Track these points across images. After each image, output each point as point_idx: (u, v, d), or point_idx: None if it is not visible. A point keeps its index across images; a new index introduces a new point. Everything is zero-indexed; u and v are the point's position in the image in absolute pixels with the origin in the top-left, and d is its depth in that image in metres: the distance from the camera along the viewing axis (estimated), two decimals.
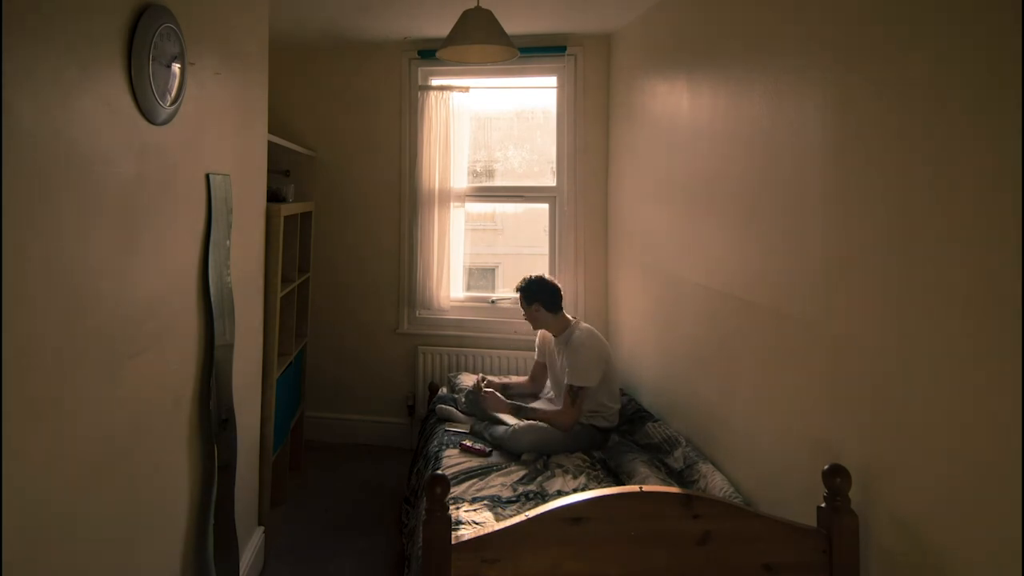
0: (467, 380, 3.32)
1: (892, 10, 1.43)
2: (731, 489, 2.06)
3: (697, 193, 2.48)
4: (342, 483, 3.35)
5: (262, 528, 2.65)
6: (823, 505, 1.51)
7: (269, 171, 2.73)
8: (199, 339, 1.92)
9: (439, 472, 2.20)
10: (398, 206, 3.84)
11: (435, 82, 3.80)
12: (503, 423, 2.73)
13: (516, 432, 2.60)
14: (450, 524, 1.47)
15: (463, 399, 3.06)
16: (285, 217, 2.90)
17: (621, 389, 2.98)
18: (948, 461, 1.28)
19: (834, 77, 1.63)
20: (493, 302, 3.83)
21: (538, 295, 2.84)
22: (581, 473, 2.40)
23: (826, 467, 1.50)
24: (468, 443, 2.66)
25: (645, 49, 3.12)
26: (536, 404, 2.92)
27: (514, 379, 3.27)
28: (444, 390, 3.38)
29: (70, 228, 1.28)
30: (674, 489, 1.93)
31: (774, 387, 1.92)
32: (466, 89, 3.71)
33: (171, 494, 1.79)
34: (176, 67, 1.65)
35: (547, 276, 2.93)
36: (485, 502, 2.19)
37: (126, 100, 1.47)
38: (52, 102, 1.22)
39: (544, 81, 3.81)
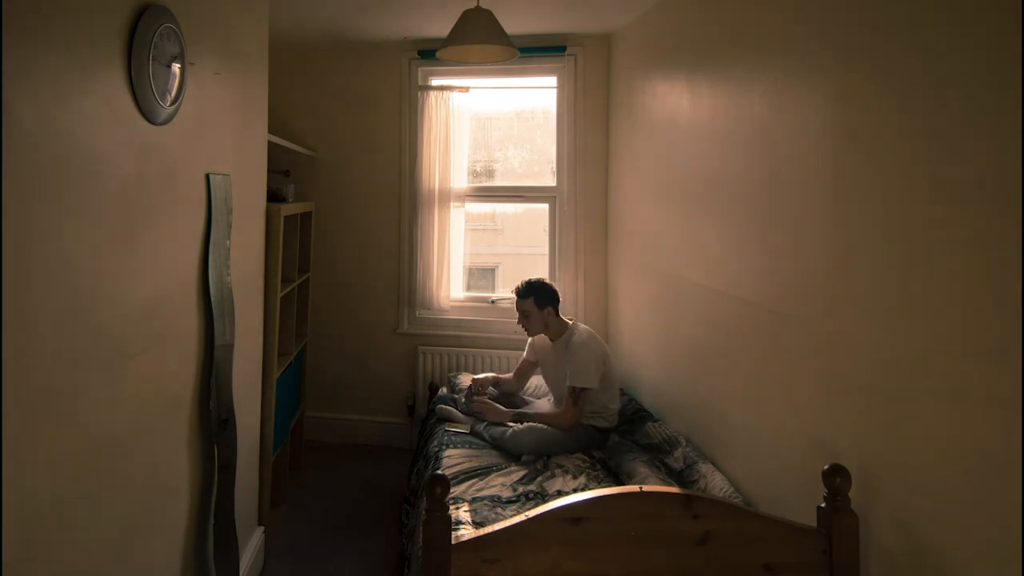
0: (467, 380, 3.32)
1: (892, 10, 1.43)
2: (731, 489, 2.06)
3: (697, 193, 2.48)
4: (342, 483, 3.35)
5: (262, 528, 2.65)
6: (823, 505, 1.51)
7: (269, 171, 2.73)
8: (199, 339, 1.92)
9: (439, 472, 2.20)
10: (398, 206, 3.84)
11: (435, 82, 3.80)
12: (503, 423, 2.73)
13: (516, 433, 2.60)
14: (450, 524, 1.47)
15: (463, 399, 3.05)
16: (285, 217, 2.90)
17: (621, 389, 2.98)
18: (948, 461, 1.28)
19: (834, 77, 1.63)
20: (493, 302, 3.83)
21: (552, 298, 2.83)
22: (581, 473, 2.40)
23: (826, 467, 1.50)
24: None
25: (645, 49, 3.12)
26: (533, 407, 2.91)
27: (503, 376, 3.25)
28: (444, 390, 3.38)
29: (70, 228, 1.28)
30: (674, 489, 1.93)
31: (774, 387, 1.92)
32: (466, 89, 3.71)
33: (171, 494, 1.79)
34: (176, 67, 1.65)
35: (546, 279, 2.93)
36: (485, 502, 2.19)
37: (126, 100, 1.47)
38: (52, 102, 1.22)
39: (544, 81, 3.81)
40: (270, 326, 2.72)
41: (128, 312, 1.51)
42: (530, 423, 2.65)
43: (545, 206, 3.84)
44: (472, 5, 2.41)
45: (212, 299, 1.95)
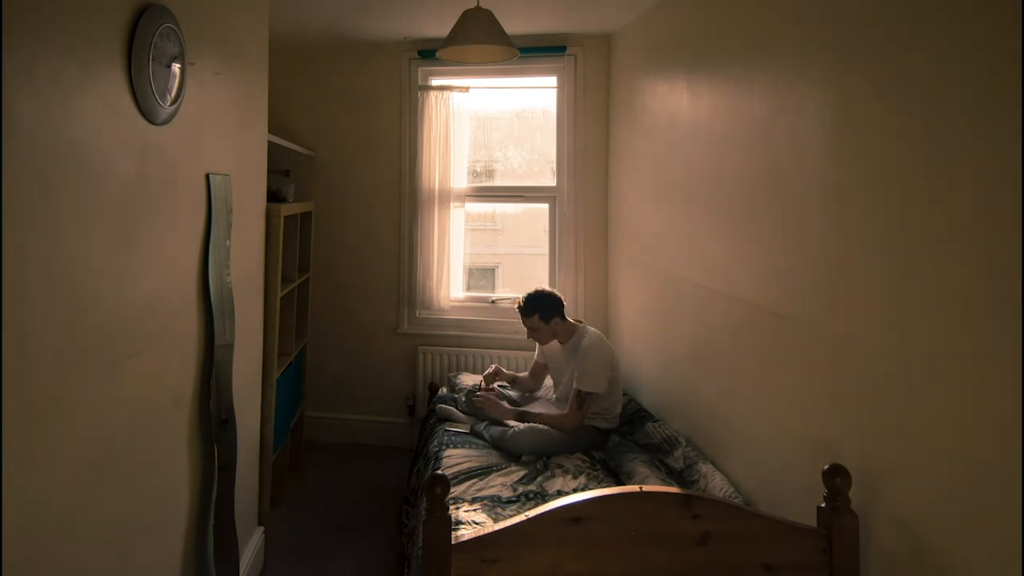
0: (467, 380, 3.32)
1: (892, 10, 1.43)
2: (731, 489, 2.06)
3: (697, 193, 2.48)
4: (342, 483, 3.35)
5: (262, 528, 2.65)
6: (823, 505, 1.51)
7: (269, 171, 2.73)
8: (199, 339, 1.92)
9: (439, 472, 2.20)
10: (398, 206, 3.84)
11: (435, 82, 3.80)
12: (503, 424, 2.73)
13: (516, 433, 2.60)
14: (450, 524, 1.47)
15: (463, 399, 3.05)
16: (285, 217, 2.89)
17: (623, 390, 2.98)
18: (948, 461, 1.28)
19: (834, 77, 1.63)
20: (493, 302, 3.83)
21: (555, 309, 2.81)
22: (581, 473, 2.40)
23: (826, 467, 1.50)
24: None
25: (645, 49, 3.12)
26: (536, 406, 2.91)
27: (520, 375, 3.27)
28: (444, 390, 3.38)
29: (70, 228, 1.28)
30: (674, 489, 1.93)
31: (774, 387, 1.92)
32: (466, 89, 3.71)
33: (171, 494, 1.79)
34: (176, 67, 1.65)
35: (545, 287, 2.91)
36: (485, 502, 2.19)
37: (126, 100, 1.47)
38: (52, 102, 1.22)
39: (544, 81, 3.81)
40: (270, 326, 2.72)
41: (128, 312, 1.51)
42: (531, 423, 2.65)
43: (545, 206, 3.84)
44: (472, 5, 2.41)
45: (212, 299, 1.95)
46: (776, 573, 1.50)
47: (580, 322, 2.90)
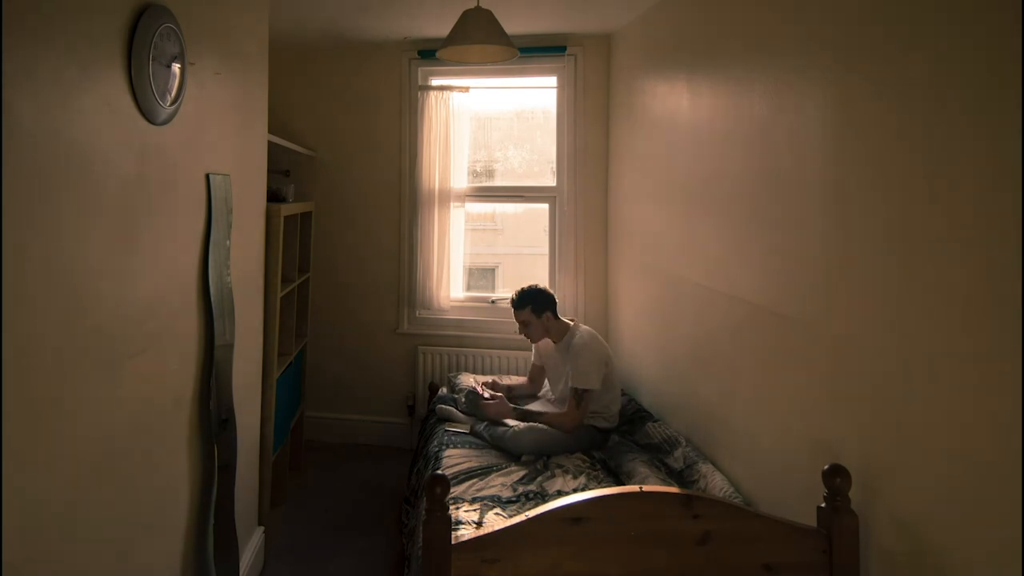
0: (467, 380, 3.32)
1: (892, 10, 1.43)
2: (731, 489, 2.06)
3: (697, 193, 2.48)
4: (342, 483, 3.35)
5: (262, 528, 2.65)
6: (823, 505, 1.51)
7: (269, 171, 2.73)
8: (199, 339, 1.92)
9: (439, 472, 2.20)
10: (398, 206, 3.84)
11: (435, 82, 3.80)
12: (503, 424, 2.73)
13: (516, 433, 2.60)
14: (450, 524, 1.47)
15: (463, 399, 3.05)
16: (285, 217, 2.89)
17: (621, 389, 2.98)
18: (948, 461, 1.28)
19: (834, 77, 1.63)
20: (493, 302, 3.83)
21: (547, 303, 2.84)
22: (581, 473, 2.40)
23: (826, 467, 1.50)
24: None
25: (645, 49, 3.12)
26: (535, 406, 2.91)
27: (515, 380, 3.28)
28: (444, 390, 3.38)
29: (70, 228, 1.28)
30: (674, 489, 1.93)
31: (774, 387, 1.92)
32: (466, 89, 3.71)
33: (171, 494, 1.79)
34: (176, 67, 1.65)
35: (539, 284, 2.92)
36: (485, 502, 2.19)
37: (126, 100, 1.47)
38: (52, 102, 1.22)
39: (544, 81, 3.81)
40: (270, 326, 2.72)
41: (128, 312, 1.51)
42: (531, 423, 2.65)
43: (545, 206, 3.84)
44: (472, 5, 2.41)
45: (212, 299, 1.95)
46: (776, 573, 1.50)
47: (573, 321, 2.91)
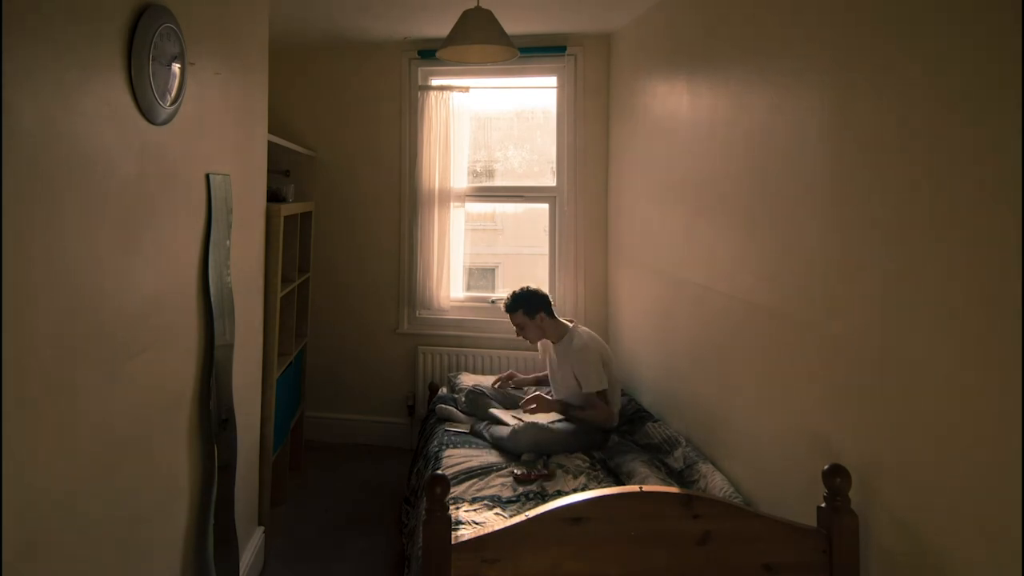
0: (467, 380, 3.32)
1: (892, 10, 1.43)
2: (731, 489, 2.06)
3: (697, 193, 2.48)
4: (342, 483, 3.35)
5: (262, 528, 2.65)
6: (823, 505, 1.51)
7: (269, 171, 2.73)
8: (199, 339, 1.92)
9: (439, 472, 2.20)
10: (398, 206, 3.84)
11: (435, 82, 3.80)
12: (503, 423, 2.73)
13: (516, 432, 2.60)
14: (450, 524, 1.47)
15: (463, 399, 3.05)
16: (285, 217, 2.90)
17: (621, 389, 2.98)
18: (948, 461, 1.28)
19: (834, 77, 1.63)
20: (493, 302, 3.83)
21: (540, 304, 2.85)
22: (581, 473, 2.40)
23: (826, 467, 1.50)
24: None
25: (645, 49, 3.12)
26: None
27: (531, 376, 3.28)
28: (444, 390, 3.38)
29: (70, 228, 1.28)
30: (674, 489, 1.93)
31: (774, 387, 1.92)
32: (466, 89, 3.71)
33: (171, 494, 1.79)
34: (176, 67, 1.65)
35: (531, 286, 2.94)
36: (485, 502, 2.19)
37: (126, 100, 1.47)
38: (52, 102, 1.22)
39: (544, 81, 3.81)
40: (270, 326, 2.72)
41: (128, 312, 1.51)
42: (531, 420, 2.65)
43: (545, 206, 3.84)
44: (472, 5, 2.41)
45: (212, 299, 1.95)
46: (776, 573, 1.50)
47: (571, 322, 2.92)
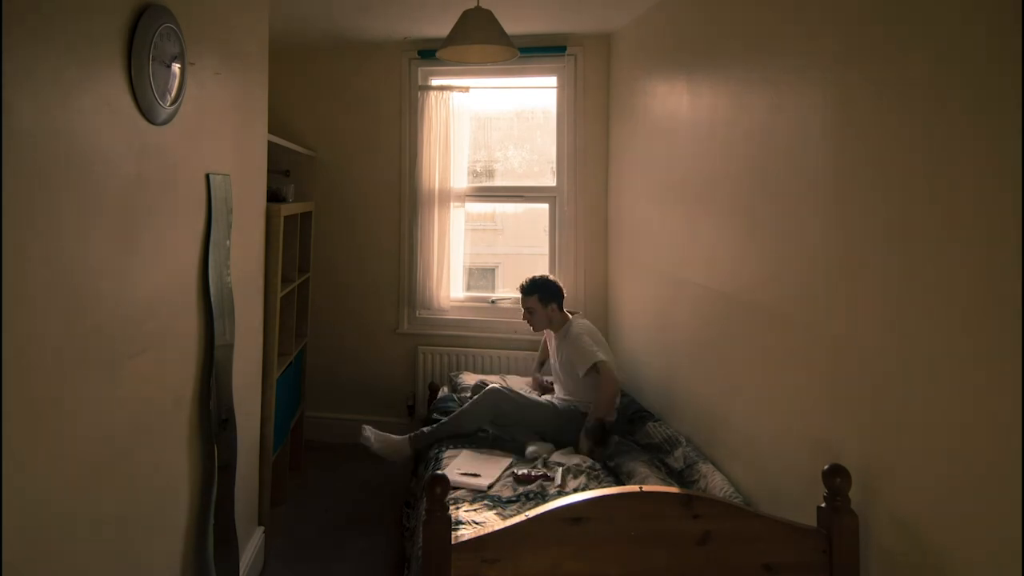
0: (469, 379, 3.31)
1: (892, 10, 1.43)
2: (731, 489, 2.06)
3: (697, 193, 2.48)
4: (342, 483, 3.35)
5: (262, 528, 2.65)
6: (823, 505, 1.51)
7: (269, 171, 2.73)
8: (199, 339, 1.92)
9: (439, 472, 2.20)
10: (398, 206, 3.84)
11: (435, 82, 3.80)
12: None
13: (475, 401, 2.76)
14: (450, 524, 1.47)
15: (470, 394, 3.03)
16: (285, 217, 2.89)
17: (621, 389, 2.97)
18: (948, 461, 1.28)
19: (834, 77, 1.63)
20: (493, 302, 3.83)
21: (555, 295, 2.94)
22: (581, 473, 2.40)
23: (826, 467, 1.50)
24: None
25: (645, 49, 3.12)
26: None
27: (531, 381, 3.33)
28: (445, 389, 3.38)
29: (70, 228, 1.28)
30: (674, 489, 1.93)
31: (774, 387, 1.92)
32: (466, 89, 3.71)
33: (171, 494, 1.79)
34: (176, 67, 1.65)
35: (551, 276, 3.03)
36: (485, 502, 2.19)
37: (126, 100, 1.47)
38: (52, 102, 1.22)
39: (544, 81, 3.81)
40: (270, 326, 2.72)
41: (128, 312, 1.51)
42: (494, 387, 2.82)
43: (545, 206, 3.84)
44: (472, 5, 2.41)
45: (212, 299, 1.95)
46: (776, 573, 1.50)
47: (574, 314, 3.01)
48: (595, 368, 2.71)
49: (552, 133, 3.80)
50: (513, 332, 3.72)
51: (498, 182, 4.04)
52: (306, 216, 3.53)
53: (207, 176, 1.95)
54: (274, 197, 3.01)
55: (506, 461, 2.52)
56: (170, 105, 1.64)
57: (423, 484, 2.34)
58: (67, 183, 1.27)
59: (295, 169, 3.66)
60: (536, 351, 3.65)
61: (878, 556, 1.46)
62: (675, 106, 2.72)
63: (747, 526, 1.53)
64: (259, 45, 2.49)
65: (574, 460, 2.50)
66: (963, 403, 1.24)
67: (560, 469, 2.42)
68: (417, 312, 3.83)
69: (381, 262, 3.86)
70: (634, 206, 3.26)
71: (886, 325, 1.43)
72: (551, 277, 3.00)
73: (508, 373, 3.59)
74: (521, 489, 2.28)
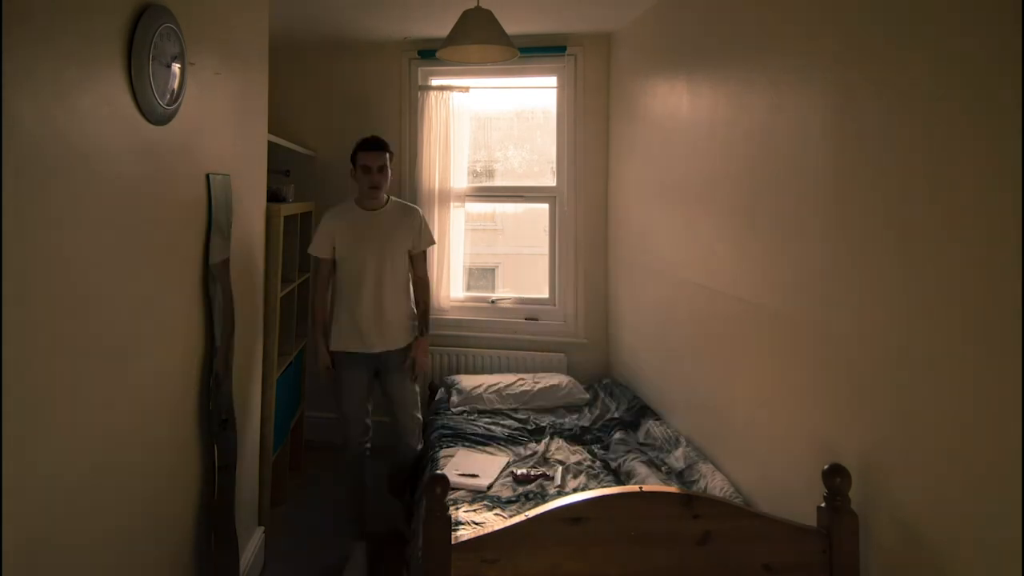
0: (466, 382, 3.29)
1: (892, 10, 1.43)
2: (731, 489, 2.06)
3: (697, 193, 2.48)
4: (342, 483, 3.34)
5: (262, 528, 2.65)
6: (823, 505, 1.51)
7: (269, 171, 2.73)
8: (199, 339, 1.92)
9: (439, 472, 2.20)
10: None
11: (435, 82, 3.80)
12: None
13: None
14: (450, 524, 1.47)
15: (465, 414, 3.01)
16: (285, 217, 2.90)
17: (623, 388, 2.96)
18: (948, 461, 1.28)
19: (834, 77, 1.63)
20: (493, 302, 3.83)
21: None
22: (581, 472, 2.40)
23: (826, 467, 1.50)
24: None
25: (645, 49, 3.12)
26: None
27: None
28: (442, 391, 3.37)
29: (70, 228, 1.28)
30: (674, 489, 1.93)
31: (774, 387, 1.92)
32: (466, 89, 3.71)
33: (171, 494, 1.79)
34: (176, 67, 1.65)
35: None
36: (485, 502, 2.19)
37: (126, 100, 1.47)
38: (52, 102, 1.22)
39: (544, 81, 3.81)
40: (270, 326, 2.72)
41: (128, 312, 1.51)
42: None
43: (545, 206, 3.84)
44: (472, 5, 2.41)
45: (212, 299, 1.95)
46: (776, 573, 1.50)
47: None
48: (425, 254, 2.76)
49: (552, 133, 3.80)
50: (513, 332, 3.72)
51: (498, 182, 4.04)
52: (306, 216, 3.53)
53: (207, 176, 1.95)
54: (274, 197, 3.01)
55: (503, 459, 2.53)
56: (170, 105, 1.64)
57: (423, 484, 2.34)
58: (67, 183, 1.27)
59: (295, 169, 3.66)
60: (536, 350, 3.64)
61: (878, 556, 1.46)
62: (675, 106, 2.72)
63: (747, 526, 1.53)
64: (259, 45, 2.49)
65: (573, 458, 2.51)
66: (963, 403, 1.24)
67: (560, 468, 2.42)
68: None
69: None
70: (634, 206, 3.26)
71: (886, 325, 1.43)
72: None
73: (507, 372, 3.57)
74: (521, 489, 2.28)
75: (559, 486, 2.30)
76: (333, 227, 2.68)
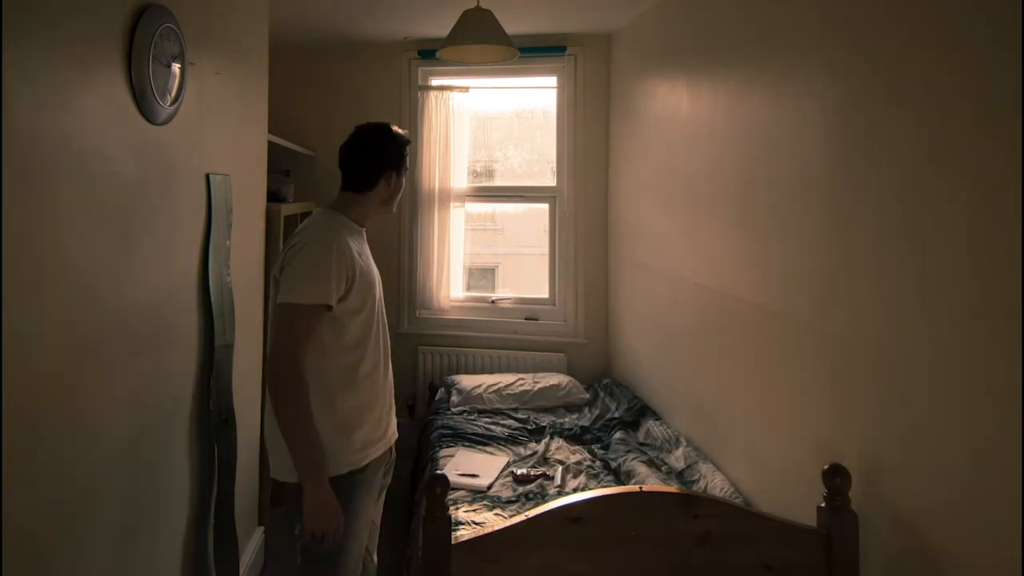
0: (466, 382, 3.29)
1: (892, 10, 1.43)
2: (731, 489, 2.06)
3: (697, 193, 2.48)
4: None
5: (262, 528, 2.65)
6: (823, 505, 1.51)
7: (269, 171, 2.73)
8: (199, 339, 1.92)
9: (439, 472, 2.20)
10: (398, 206, 3.83)
11: (435, 82, 3.80)
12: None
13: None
14: (450, 524, 1.47)
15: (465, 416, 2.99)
16: (285, 217, 2.90)
17: (623, 387, 2.97)
18: (948, 461, 1.28)
19: (834, 77, 1.63)
20: (493, 302, 3.83)
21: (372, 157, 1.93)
22: (581, 472, 2.40)
23: (826, 467, 1.50)
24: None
25: (645, 49, 3.12)
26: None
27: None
28: (442, 391, 3.37)
29: (70, 228, 1.28)
30: (674, 489, 1.93)
31: (775, 387, 1.92)
32: (466, 89, 3.71)
33: (171, 494, 1.79)
34: (176, 67, 1.65)
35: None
36: (485, 502, 2.19)
37: (126, 100, 1.47)
38: (52, 102, 1.22)
39: (544, 81, 3.81)
40: None
41: (128, 312, 1.51)
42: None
43: (545, 206, 3.83)
44: (472, 5, 2.41)
45: (212, 299, 1.95)
46: (776, 573, 1.50)
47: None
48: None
49: (552, 133, 3.80)
50: (513, 332, 3.72)
51: (498, 182, 4.04)
52: (306, 216, 3.52)
53: (207, 176, 1.95)
54: (274, 197, 3.01)
55: (503, 459, 2.53)
56: (170, 105, 1.64)
57: (423, 484, 2.34)
58: (67, 183, 1.27)
59: (295, 169, 3.66)
60: (536, 350, 3.64)
61: (878, 556, 1.46)
62: (675, 106, 2.72)
63: (747, 526, 1.53)
64: (259, 45, 2.49)
65: (573, 458, 2.51)
66: (963, 403, 1.24)
67: (560, 468, 2.42)
68: (417, 312, 3.83)
69: (381, 262, 3.80)
70: (634, 206, 3.26)
71: (886, 325, 1.43)
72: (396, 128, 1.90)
73: (507, 372, 3.58)
74: (520, 489, 2.28)
75: (559, 486, 2.30)
76: (352, 256, 1.63)
